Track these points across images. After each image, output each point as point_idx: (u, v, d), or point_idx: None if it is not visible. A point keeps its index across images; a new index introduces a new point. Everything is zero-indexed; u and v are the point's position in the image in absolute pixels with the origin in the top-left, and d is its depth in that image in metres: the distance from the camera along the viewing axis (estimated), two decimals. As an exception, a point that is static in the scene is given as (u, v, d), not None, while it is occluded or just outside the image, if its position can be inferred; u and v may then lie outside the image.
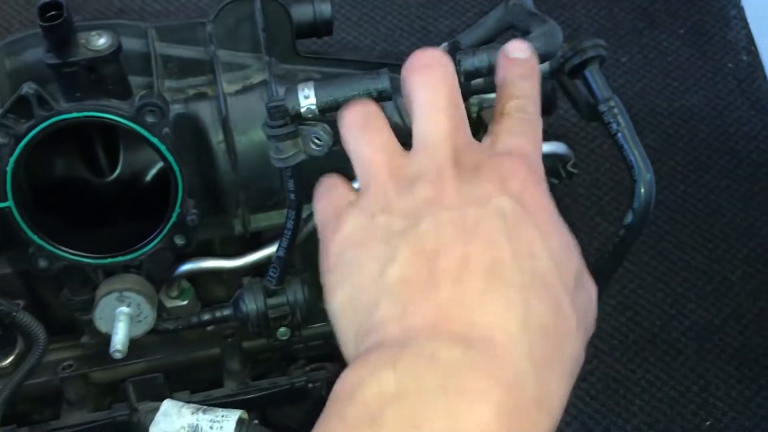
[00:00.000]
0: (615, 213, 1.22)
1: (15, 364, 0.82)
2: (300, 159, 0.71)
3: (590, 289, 0.44)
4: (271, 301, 0.80)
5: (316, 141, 0.70)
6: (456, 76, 0.48)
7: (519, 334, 0.37)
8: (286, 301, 0.80)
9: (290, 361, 0.92)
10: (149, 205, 0.79)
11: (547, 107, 0.95)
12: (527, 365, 0.37)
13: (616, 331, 1.12)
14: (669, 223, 1.21)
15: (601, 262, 0.86)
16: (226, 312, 0.81)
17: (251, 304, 0.79)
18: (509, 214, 0.41)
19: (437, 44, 0.82)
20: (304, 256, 0.86)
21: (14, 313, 0.75)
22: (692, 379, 1.08)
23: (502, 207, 0.41)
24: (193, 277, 0.84)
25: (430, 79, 0.47)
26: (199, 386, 0.86)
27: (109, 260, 0.74)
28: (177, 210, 0.73)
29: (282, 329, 0.83)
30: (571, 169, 0.81)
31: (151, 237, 0.74)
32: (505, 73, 0.50)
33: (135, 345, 0.86)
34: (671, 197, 1.23)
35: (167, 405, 0.73)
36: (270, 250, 0.79)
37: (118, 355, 0.72)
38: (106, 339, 0.84)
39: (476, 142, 0.47)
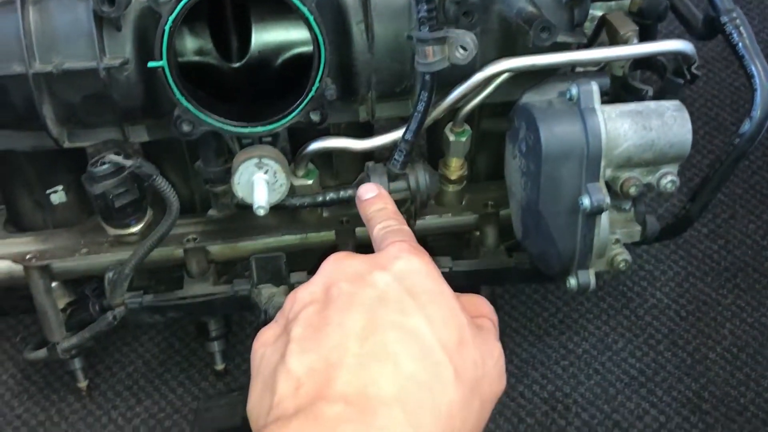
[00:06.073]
0: (708, 147, 1.23)
1: (143, 234, 0.86)
2: (443, 66, 0.73)
3: (482, 345, 0.50)
4: (394, 185, 0.82)
5: (462, 49, 0.72)
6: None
7: (390, 386, 0.45)
8: (407, 186, 0.82)
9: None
10: (278, 87, 0.81)
11: (660, 15, 0.95)
12: (398, 412, 0.44)
13: (707, 258, 1.13)
14: (762, 159, 1.21)
15: (713, 170, 0.87)
16: (350, 192, 0.83)
17: (375, 185, 0.82)
18: (383, 283, 0.49)
19: None
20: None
21: (154, 177, 0.78)
22: (784, 307, 1.09)
23: (377, 279, 0.49)
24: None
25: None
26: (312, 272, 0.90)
27: (249, 129, 0.77)
28: (317, 85, 0.75)
29: (398, 217, 0.85)
30: (695, 72, 0.82)
31: (290, 110, 0.77)
32: (363, 215, 0.61)
33: (255, 225, 0.90)
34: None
35: None
36: (396, 134, 0.81)
37: (261, 212, 0.75)
38: (232, 214, 0.88)
39: None
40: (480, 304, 0.56)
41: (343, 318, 0.48)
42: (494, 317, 0.56)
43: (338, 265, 0.52)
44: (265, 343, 0.51)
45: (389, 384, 0.45)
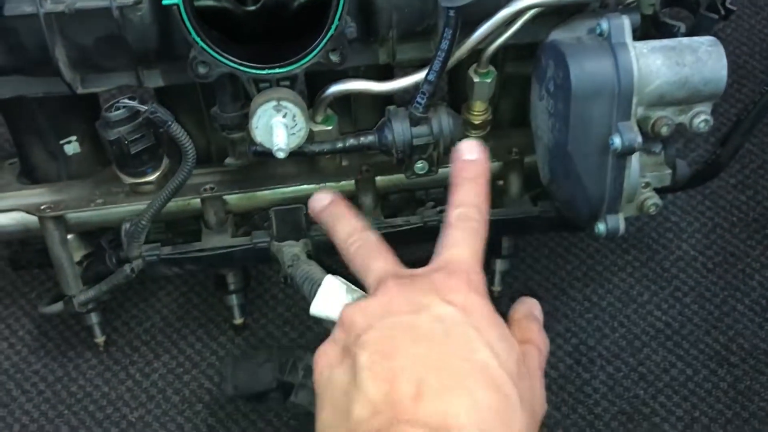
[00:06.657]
0: (737, 95, 1.19)
1: (158, 184, 0.84)
2: (468, 0, 0.70)
3: (534, 377, 0.55)
4: (416, 129, 0.80)
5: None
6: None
7: (468, 416, 0.47)
8: (430, 131, 0.80)
9: (419, 205, 0.92)
10: (294, 32, 0.79)
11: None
12: None
13: (735, 209, 1.10)
14: (792, 108, 1.18)
15: (746, 113, 0.85)
16: (371, 138, 0.81)
17: (397, 130, 0.79)
18: (448, 318, 0.51)
19: None
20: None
21: (170, 123, 0.76)
22: (815, 258, 1.06)
23: (441, 312, 0.52)
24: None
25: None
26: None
27: (267, 71, 0.74)
28: (336, 23, 0.73)
29: (420, 164, 0.83)
30: (730, 6, 0.79)
31: (309, 51, 0.74)
32: (455, 174, 0.60)
33: (273, 174, 0.88)
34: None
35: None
36: (419, 76, 0.78)
37: (281, 154, 0.73)
38: (249, 163, 0.86)
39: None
40: (531, 328, 0.59)
41: (414, 349, 0.50)
42: (543, 342, 0.58)
43: (397, 290, 0.53)
44: (329, 364, 0.53)
45: (468, 415, 0.47)
